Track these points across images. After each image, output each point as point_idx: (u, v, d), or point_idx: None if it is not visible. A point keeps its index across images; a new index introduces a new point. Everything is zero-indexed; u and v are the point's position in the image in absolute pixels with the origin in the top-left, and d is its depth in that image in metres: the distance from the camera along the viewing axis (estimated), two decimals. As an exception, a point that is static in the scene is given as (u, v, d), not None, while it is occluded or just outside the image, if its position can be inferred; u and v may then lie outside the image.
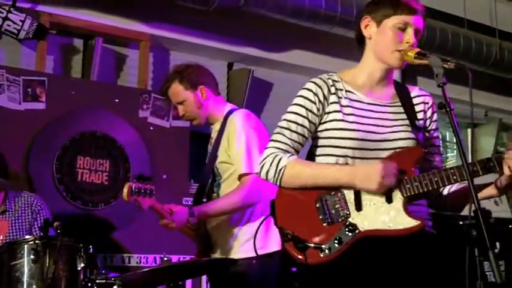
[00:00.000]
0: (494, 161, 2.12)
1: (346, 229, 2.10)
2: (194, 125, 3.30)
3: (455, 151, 6.97)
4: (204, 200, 3.09)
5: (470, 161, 2.10)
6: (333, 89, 2.25)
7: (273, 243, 2.91)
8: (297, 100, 2.26)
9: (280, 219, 2.17)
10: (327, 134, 2.22)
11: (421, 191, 2.11)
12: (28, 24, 4.22)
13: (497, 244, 4.10)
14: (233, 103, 3.36)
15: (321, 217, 2.13)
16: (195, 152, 4.53)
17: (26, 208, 3.40)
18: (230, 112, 3.12)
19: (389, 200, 2.12)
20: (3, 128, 3.97)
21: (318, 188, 2.16)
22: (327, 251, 2.08)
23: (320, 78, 2.28)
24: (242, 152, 2.94)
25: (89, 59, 4.58)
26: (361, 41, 2.34)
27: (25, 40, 4.30)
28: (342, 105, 2.22)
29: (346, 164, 2.18)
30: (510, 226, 4.33)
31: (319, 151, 2.25)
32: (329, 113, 2.22)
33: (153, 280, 2.84)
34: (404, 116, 2.26)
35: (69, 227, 2.79)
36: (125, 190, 2.76)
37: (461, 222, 3.80)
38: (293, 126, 2.23)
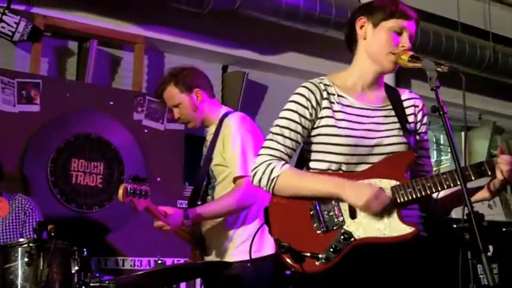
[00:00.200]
0: (486, 165, 2.13)
1: (342, 237, 2.09)
2: (189, 128, 3.30)
3: (449, 154, 6.99)
4: (199, 202, 3.09)
5: (464, 164, 2.11)
6: (325, 94, 2.25)
7: (267, 246, 2.91)
8: (290, 105, 2.26)
9: (274, 228, 2.16)
10: (320, 139, 2.22)
11: (414, 197, 2.12)
12: (23, 27, 4.22)
13: (491, 247, 4.11)
14: (228, 106, 3.37)
15: (315, 225, 2.13)
16: (190, 154, 4.54)
17: (20, 211, 3.40)
18: (225, 115, 3.12)
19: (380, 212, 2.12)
20: (-2, 131, 3.97)
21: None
22: (323, 260, 2.07)
23: (312, 83, 2.27)
24: (237, 155, 2.94)
25: (84, 61, 4.58)
26: (351, 42, 2.34)
27: (20, 42, 4.30)
28: (334, 111, 2.23)
29: (340, 169, 2.18)
30: (504, 229, 4.34)
31: (312, 156, 2.25)
32: (321, 118, 2.22)
33: (147, 283, 2.83)
34: (395, 119, 2.26)
35: (63, 229, 2.79)
36: (121, 191, 2.75)
37: (455, 226, 3.81)
38: (286, 132, 2.23)
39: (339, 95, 2.26)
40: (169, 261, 4.15)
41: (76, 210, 4.15)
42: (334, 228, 2.11)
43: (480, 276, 3.08)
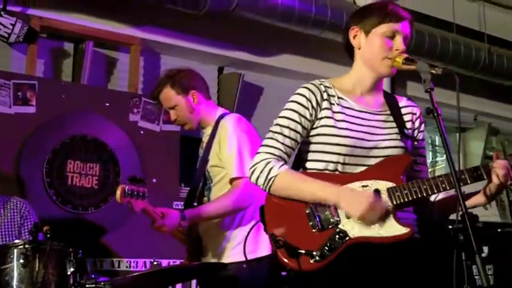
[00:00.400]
0: (482, 169, 2.15)
1: (337, 236, 2.10)
2: (185, 130, 3.31)
3: (444, 155, 7.00)
4: (195, 204, 3.10)
5: (458, 165, 2.12)
6: (325, 95, 2.26)
7: (263, 247, 2.92)
8: (290, 105, 2.27)
9: (270, 225, 2.17)
10: (318, 139, 2.23)
11: (410, 198, 2.13)
12: (18, 28, 4.22)
13: (486, 248, 4.12)
14: (224, 107, 3.37)
15: (310, 223, 2.14)
16: (186, 156, 4.54)
17: (15, 213, 3.39)
18: (221, 116, 3.13)
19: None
20: (-7, 132, 3.96)
21: None
22: (317, 258, 2.08)
23: (312, 84, 2.28)
24: (234, 156, 2.95)
25: (80, 62, 4.58)
26: (350, 49, 2.36)
27: (15, 44, 4.29)
28: (333, 112, 2.24)
29: (336, 170, 2.19)
30: (499, 230, 4.35)
31: (309, 156, 2.26)
32: (321, 118, 2.23)
33: (143, 284, 2.84)
34: (393, 124, 2.28)
35: (59, 231, 2.79)
36: (118, 192, 2.76)
37: (450, 227, 3.81)
38: (286, 131, 2.24)
39: (339, 97, 2.28)
40: (165, 263, 4.15)
41: (72, 211, 4.15)
42: (330, 227, 2.12)
43: (475, 277, 3.09)
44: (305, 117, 2.24)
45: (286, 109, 2.27)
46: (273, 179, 2.17)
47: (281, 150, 2.23)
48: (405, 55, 2.21)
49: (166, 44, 4.94)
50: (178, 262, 4.09)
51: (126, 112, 4.47)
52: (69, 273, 2.73)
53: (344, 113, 2.24)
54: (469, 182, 2.14)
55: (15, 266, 2.68)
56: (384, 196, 2.14)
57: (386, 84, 2.50)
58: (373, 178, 2.16)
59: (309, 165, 2.26)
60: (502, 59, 6.24)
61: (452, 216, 2.19)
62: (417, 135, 2.36)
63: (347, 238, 2.10)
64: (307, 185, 2.16)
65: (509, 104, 7.12)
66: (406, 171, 2.22)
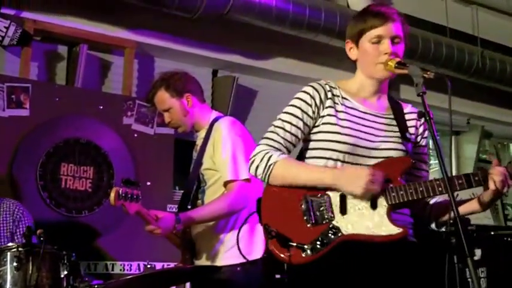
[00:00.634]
0: (480, 174, 2.16)
1: (330, 231, 2.13)
2: (179, 132, 3.31)
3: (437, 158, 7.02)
4: (189, 207, 3.10)
5: (450, 167, 2.14)
6: (329, 94, 2.29)
7: (256, 250, 2.92)
8: (294, 102, 2.30)
9: (265, 216, 2.20)
10: (320, 136, 2.26)
11: (405, 199, 2.15)
12: (12, 31, 4.21)
13: (479, 251, 4.13)
14: (218, 110, 3.38)
15: (305, 218, 2.16)
16: (180, 159, 4.54)
17: (8, 215, 3.38)
18: (216, 119, 3.14)
19: (374, 206, 2.15)
20: (-13, 135, 3.96)
21: (305, 189, 2.19)
22: (309, 252, 2.10)
23: (318, 83, 2.32)
24: (228, 159, 2.96)
25: (74, 65, 4.57)
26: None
27: (9, 47, 4.28)
28: (337, 110, 2.27)
29: (335, 167, 2.21)
30: (492, 233, 4.36)
31: (309, 153, 2.29)
32: (323, 116, 2.26)
33: (137, 287, 2.83)
34: (396, 128, 2.30)
35: (52, 234, 2.78)
36: (112, 194, 2.76)
37: (443, 229, 3.82)
38: (287, 126, 2.27)
39: (343, 97, 2.31)
40: (158, 266, 4.14)
41: (65, 214, 4.14)
42: (323, 222, 2.15)
43: (469, 280, 3.10)
44: (307, 114, 2.27)
45: (290, 105, 2.30)
46: (272, 165, 2.19)
47: (281, 143, 2.26)
48: (397, 59, 2.23)
49: (160, 47, 4.94)
50: (172, 265, 4.09)
51: (120, 115, 4.47)
52: (62, 276, 2.73)
53: (347, 113, 2.27)
54: (466, 186, 2.16)
55: (8, 269, 2.68)
56: (380, 195, 2.15)
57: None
58: None
59: (309, 162, 2.28)
60: (495, 62, 6.26)
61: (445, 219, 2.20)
62: (420, 141, 2.38)
63: (339, 234, 2.12)
64: (305, 170, 2.20)
65: (502, 108, 7.15)
66: (404, 172, 2.23)
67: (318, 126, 2.27)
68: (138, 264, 4.31)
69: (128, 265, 4.30)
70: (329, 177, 2.15)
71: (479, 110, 6.94)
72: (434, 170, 7.06)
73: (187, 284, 4.10)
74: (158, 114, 3.36)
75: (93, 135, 4.33)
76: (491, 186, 2.13)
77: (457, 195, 2.13)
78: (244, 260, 2.74)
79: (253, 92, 5.56)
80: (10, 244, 2.82)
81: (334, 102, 2.28)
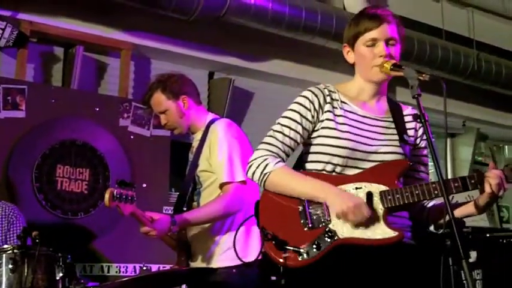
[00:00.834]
0: (476, 177, 2.16)
1: (326, 235, 2.13)
2: (175, 134, 3.31)
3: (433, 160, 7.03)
4: (185, 208, 3.09)
5: (445, 169, 2.14)
6: (328, 99, 2.29)
7: (252, 252, 2.92)
8: (293, 106, 2.31)
9: (262, 219, 2.21)
10: (319, 140, 2.26)
11: (401, 203, 2.14)
12: (8, 32, 4.21)
13: (475, 253, 4.14)
14: (214, 112, 3.38)
15: (302, 221, 2.17)
16: (176, 161, 4.54)
17: (3, 218, 3.37)
18: (212, 121, 3.14)
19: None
20: (-18, 137, 3.95)
21: None
22: (305, 255, 2.11)
23: (317, 88, 2.32)
24: (224, 161, 2.96)
25: (70, 67, 4.57)
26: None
27: (5, 48, 4.28)
28: (335, 115, 2.27)
29: (333, 171, 2.22)
30: (487, 235, 4.37)
31: (309, 158, 2.29)
32: (322, 120, 2.27)
33: (133, 289, 2.83)
34: (394, 131, 2.30)
35: (48, 236, 2.78)
36: (107, 196, 2.75)
37: (440, 231, 3.82)
38: (286, 131, 2.27)
39: (342, 101, 2.31)
40: (154, 268, 4.14)
41: (61, 216, 4.14)
42: (320, 226, 2.15)
43: (464, 281, 3.11)
44: (306, 119, 2.27)
45: (289, 110, 2.31)
46: (267, 174, 2.20)
47: (279, 148, 2.26)
48: (393, 61, 2.23)
49: (156, 49, 4.94)
50: (167, 267, 4.08)
51: (116, 117, 4.47)
52: (58, 278, 2.73)
53: (346, 117, 2.27)
54: (462, 189, 2.15)
55: (3, 271, 2.68)
56: (376, 199, 2.15)
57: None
58: (367, 180, 2.18)
59: (308, 166, 2.29)
60: (490, 65, 6.29)
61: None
62: (419, 143, 2.37)
63: (335, 238, 2.12)
64: (299, 182, 2.20)
65: (497, 110, 7.18)
66: (401, 175, 2.23)
67: (317, 130, 2.28)
68: (134, 266, 4.30)
69: (123, 267, 4.29)
70: (321, 196, 2.16)
71: (474, 112, 6.95)
72: (430, 171, 7.09)
73: (183, 286, 4.10)
74: (154, 116, 3.36)
75: (89, 137, 4.33)
76: (487, 189, 2.13)
77: (453, 197, 2.13)
78: (240, 262, 2.73)
79: (249, 94, 5.56)
80: (5, 246, 2.82)
81: (333, 107, 2.28)
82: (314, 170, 2.25)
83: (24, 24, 4.35)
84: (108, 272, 4.23)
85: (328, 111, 2.27)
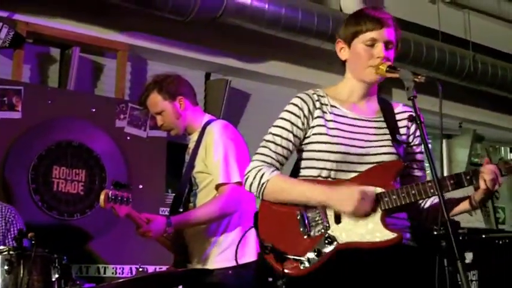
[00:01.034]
0: (472, 174, 2.16)
1: (325, 241, 2.13)
2: (171, 135, 3.31)
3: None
4: (181, 209, 3.10)
5: (441, 171, 2.14)
6: (317, 104, 2.29)
7: (249, 253, 2.92)
8: (283, 115, 2.31)
9: (262, 230, 2.21)
10: (311, 147, 2.26)
11: (398, 204, 2.14)
12: (5, 33, 4.20)
13: (471, 254, 4.14)
14: (210, 113, 3.38)
15: (301, 229, 2.17)
16: (172, 162, 4.53)
17: (1, 219, 3.37)
18: (208, 123, 3.14)
19: (368, 213, 2.15)
20: (-21, 138, 3.94)
21: None
22: (306, 263, 2.11)
23: (305, 94, 2.32)
24: (220, 162, 2.96)
25: (66, 68, 4.57)
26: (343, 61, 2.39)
27: (1, 49, 4.27)
28: (326, 120, 2.27)
29: (329, 177, 2.22)
30: (483, 236, 4.37)
31: (303, 164, 2.29)
32: (313, 127, 2.27)
33: (129, 291, 2.83)
34: (386, 131, 2.30)
35: (44, 237, 2.78)
36: (102, 197, 2.75)
37: (435, 233, 3.83)
38: (278, 140, 2.28)
39: (331, 105, 2.31)
40: (150, 269, 4.14)
41: (57, 217, 4.13)
42: (319, 232, 2.15)
43: (460, 283, 3.11)
44: (297, 126, 2.27)
45: (280, 118, 2.31)
46: (265, 184, 2.21)
47: (272, 158, 2.27)
48: (388, 63, 2.23)
49: (153, 49, 4.94)
50: (164, 268, 4.08)
51: (112, 118, 4.46)
52: (54, 279, 2.73)
53: (336, 121, 2.27)
54: (457, 186, 2.15)
55: (-1, 273, 2.67)
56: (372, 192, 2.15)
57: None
58: (362, 184, 2.17)
59: (303, 172, 2.29)
60: (486, 66, 6.30)
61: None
62: (413, 140, 2.36)
63: (335, 243, 2.12)
64: (297, 187, 2.21)
65: (494, 111, 7.19)
66: (397, 176, 2.23)
67: (308, 137, 2.28)
68: (130, 268, 4.30)
69: (119, 268, 4.29)
70: (320, 196, 2.16)
71: (471, 113, 6.97)
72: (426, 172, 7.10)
73: (180, 287, 4.10)
74: (151, 117, 3.36)
75: (86, 138, 4.33)
76: (482, 185, 2.13)
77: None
78: (235, 264, 2.74)
79: (246, 95, 5.56)
80: (1, 247, 2.81)
81: (323, 112, 2.28)
82: (310, 177, 2.25)
83: (21, 25, 4.34)
84: (104, 273, 4.23)
85: (319, 116, 2.27)
